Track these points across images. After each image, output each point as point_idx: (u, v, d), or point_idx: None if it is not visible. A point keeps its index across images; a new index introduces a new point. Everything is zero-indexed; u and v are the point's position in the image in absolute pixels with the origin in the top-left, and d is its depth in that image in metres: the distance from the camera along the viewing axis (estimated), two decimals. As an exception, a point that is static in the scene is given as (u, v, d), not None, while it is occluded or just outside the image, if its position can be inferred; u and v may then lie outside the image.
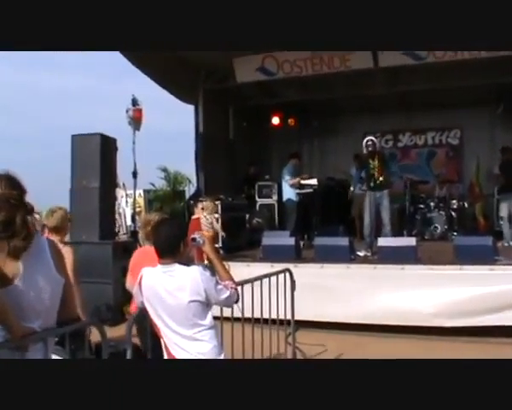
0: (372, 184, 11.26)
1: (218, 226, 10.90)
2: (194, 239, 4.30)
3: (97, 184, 11.32)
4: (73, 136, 11.73)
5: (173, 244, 4.04)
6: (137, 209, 16.38)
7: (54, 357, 3.70)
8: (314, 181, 13.27)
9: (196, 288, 3.94)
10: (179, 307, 3.98)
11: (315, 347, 7.84)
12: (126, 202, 16.39)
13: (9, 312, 3.18)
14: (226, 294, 4.06)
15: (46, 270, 3.40)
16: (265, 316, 6.53)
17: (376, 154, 11.43)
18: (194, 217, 10.87)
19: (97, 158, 11.36)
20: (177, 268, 4.01)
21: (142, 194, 18.56)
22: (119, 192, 15.09)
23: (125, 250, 10.81)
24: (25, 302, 3.27)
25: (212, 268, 4.25)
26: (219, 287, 4.03)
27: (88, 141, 11.53)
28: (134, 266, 5.82)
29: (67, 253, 5.15)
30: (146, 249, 5.97)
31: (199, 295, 3.94)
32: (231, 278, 4.23)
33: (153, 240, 4.31)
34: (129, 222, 16.30)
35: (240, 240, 12.96)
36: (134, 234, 12.60)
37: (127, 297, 6.10)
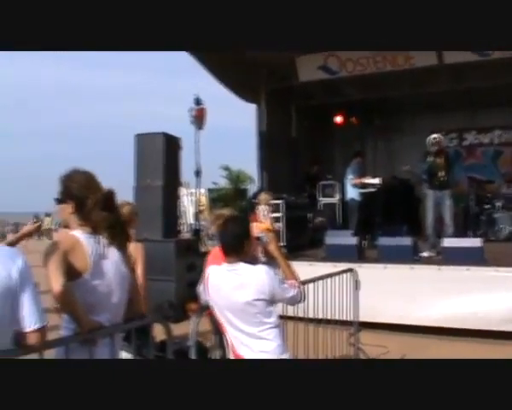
0: (436, 183, 11.03)
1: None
2: (258, 238, 4.29)
3: (161, 182, 11.45)
4: (137, 135, 11.89)
5: (238, 243, 4.04)
6: (200, 208, 16.50)
7: (122, 353, 3.75)
8: (377, 180, 13.09)
9: (261, 286, 3.93)
10: (244, 305, 3.97)
11: (376, 348, 7.73)
12: (191, 200, 16.53)
13: (77, 304, 3.25)
14: (291, 293, 4.03)
15: (115, 266, 3.47)
16: (328, 316, 6.47)
17: (441, 152, 11.18)
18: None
19: (161, 157, 11.49)
20: (242, 267, 4.01)
21: (205, 193, 18.70)
22: (182, 191, 15.23)
23: (188, 248, 10.93)
24: (93, 296, 3.34)
25: (276, 267, 4.23)
26: (284, 286, 4.00)
27: (152, 140, 11.67)
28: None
29: (139, 249, 5.23)
30: (216, 252, 6.01)
31: (263, 293, 3.93)
32: (296, 277, 4.20)
33: (218, 239, 4.32)
34: (191, 220, 16.43)
35: (302, 239, 12.91)
36: (197, 232, 12.73)
37: (190, 295, 6.14)
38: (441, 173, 10.97)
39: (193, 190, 15.87)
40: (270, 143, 15.12)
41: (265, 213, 10.63)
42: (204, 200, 18.22)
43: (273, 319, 4.03)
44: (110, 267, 3.44)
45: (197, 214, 15.07)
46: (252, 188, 18.77)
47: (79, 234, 3.41)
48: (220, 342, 4.66)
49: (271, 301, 3.99)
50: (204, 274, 4.32)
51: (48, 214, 44.33)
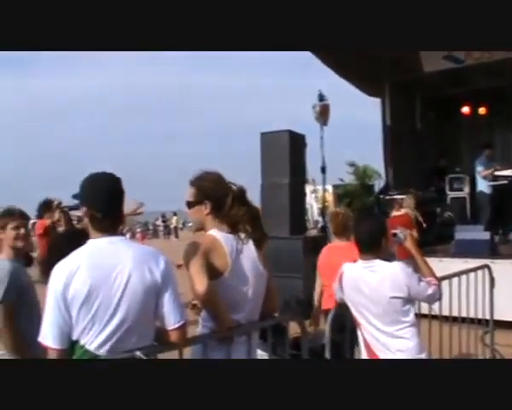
0: None
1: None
2: (395, 235, 4.25)
3: (287, 180, 11.52)
4: (263, 133, 12.02)
5: (374, 240, 4.01)
6: (326, 205, 16.46)
7: (258, 351, 3.80)
8: (509, 172, 12.56)
9: (398, 284, 3.89)
10: (380, 303, 3.94)
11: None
12: (316, 197, 16.54)
13: (220, 303, 3.33)
14: (429, 291, 3.96)
15: (252, 263, 3.51)
16: (462, 314, 6.29)
17: None
18: (397, 213, 10.81)
19: (287, 154, 11.56)
20: (378, 264, 3.98)
21: (331, 189, 18.62)
22: (308, 187, 15.25)
23: (316, 245, 10.91)
24: (232, 294, 3.41)
25: (413, 264, 4.17)
26: (422, 284, 3.94)
27: (277, 138, 11.76)
28: (322, 266, 5.87)
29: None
30: (331, 248, 6.01)
31: (400, 291, 3.88)
32: (434, 275, 4.13)
33: (354, 236, 4.30)
34: (316, 217, 16.41)
35: (430, 234, 12.60)
36: (324, 229, 12.72)
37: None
38: None
39: (317, 187, 15.85)
40: (396, 137, 14.88)
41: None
42: (329, 196, 18.10)
43: (410, 318, 3.98)
44: (248, 265, 3.49)
45: (323, 211, 15.03)
46: (378, 183, 18.48)
47: (217, 233, 3.48)
48: (350, 341, 4.64)
49: (408, 299, 3.94)
50: (338, 272, 4.32)
51: (175, 213, 45.68)
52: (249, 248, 3.52)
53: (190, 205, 3.62)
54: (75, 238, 3.13)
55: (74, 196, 3.25)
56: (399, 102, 15.20)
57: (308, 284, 10.78)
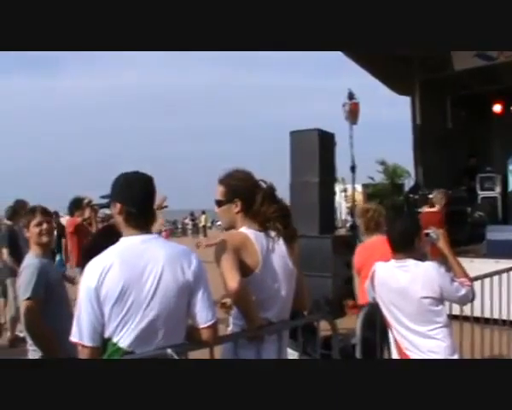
0: None
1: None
2: (428, 234, 4.21)
3: (317, 179, 11.49)
4: (292, 132, 12.00)
5: (407, 240, 3.99)
6: (355, 204, 16.40)
7: (288, 350, 3.79)
8: (543, 171, 12.39)
9: (430, 284, 3.85)
10: (412, 302, 3.91)
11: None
12: (345, 196, 16.50)
13: (251, 301, 3.32)
14: (462, 291, 3.92)
15: (283, 261, 3.50)
16: (494, 316, 6.22)
17: None
18: (429, 210, 10.74)
19: (316, 153, 11.54)
20: (411, 263, 3.95)
21: (360, 188, 18.53)
22: (337, 186, 15.23)
23: (345, 244, 10.87)
24: (263, 292, 3.39)
25: (446, 264, 4.13)
26: (455, 284, 3.90)
27: (306, 137, 11.74)
28: (360, 267, 5.77)
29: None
30: (366, 247, 5.92)
31: (432, 291, 3.85)
32: (467, 275, 4.08)
33: (387, 235, 4.27)
34: (344, 216, 16.34)
35: (461, 234, 12.46)
36: (353, 228, 12.69)
37: (346, 291, 6.10)
38: None
39: (347, 186, 15.81)
40: (425, 136, 14.76)
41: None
42: (358, 195, 18.01)
43: (442, 318, 3.94)
44: (278, 263, 3.47)
45: (353, 210, 14.98)
46: (408, 182, 18.33)
47: (248, 231, 3.46)
48: (381, 341, 4.60)
49: (441, 300, 3.90)
50: (370, 271, 4.30)
51: (203, 212, 45.79)
52: (280, 246, 3.50)
53: (220, 203, 3.59)
54: (113, 234, 3.14)
55: (103, 197, 3.27)
56: (429, 101, 15.07)
57: (337, 283, 10.80)
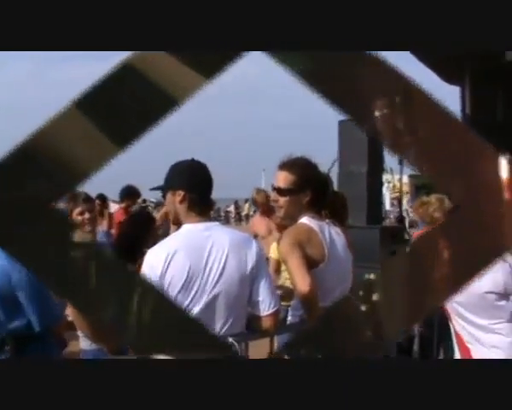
0: None
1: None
2: None
3: (365, 169, 11.34)
4: (340, 121, 11.86)
5: None
6: (397, 194, 16.21)
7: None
8: None
9: (494, 279, 3.74)
10: (474, 296, 3.81)
11: None
12: (393, 186, 16.29)
13: (317, 294, 3.26)
14: None
15: (345, 251, 3.45)
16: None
17: None
18: None
19: (365, 143, 11.37)
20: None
21: (407, 180, 18.30)
22: (384, 177, 15.03)
23: (393, 236, 10.73)
24: (328, 283, 3.33)
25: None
26: (521, 279, 3.79)
27: (355, 126, 11.56)
28: None
29: None
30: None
31: (496, 286, 3.74)
32: None
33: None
34: (387, 207, 16.11)
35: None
36: (401, 220, 12.52)
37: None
38: None
39: (390, 177, 15.59)
40: (475, 127, 14.40)
41: None
42: (406, 187, 17.81)
43: (507, 313, 3.83)
44: (341, 253, 3.42)
45: (400, 201, 14.78)
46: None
47: (311, 222, 3.38)
48: (438, 336, 4.52)
49: (505, 295, 3.79)
50: None
51: (246, 200, 45.84)
52: (341, 238, 3.45)
53: (287, 193, 3.41)
54: (143, 222, 3.11)
55: (154, 189, 3.25)
56: (480, 91, 14.73)
57: (385, 274, 10.67)
